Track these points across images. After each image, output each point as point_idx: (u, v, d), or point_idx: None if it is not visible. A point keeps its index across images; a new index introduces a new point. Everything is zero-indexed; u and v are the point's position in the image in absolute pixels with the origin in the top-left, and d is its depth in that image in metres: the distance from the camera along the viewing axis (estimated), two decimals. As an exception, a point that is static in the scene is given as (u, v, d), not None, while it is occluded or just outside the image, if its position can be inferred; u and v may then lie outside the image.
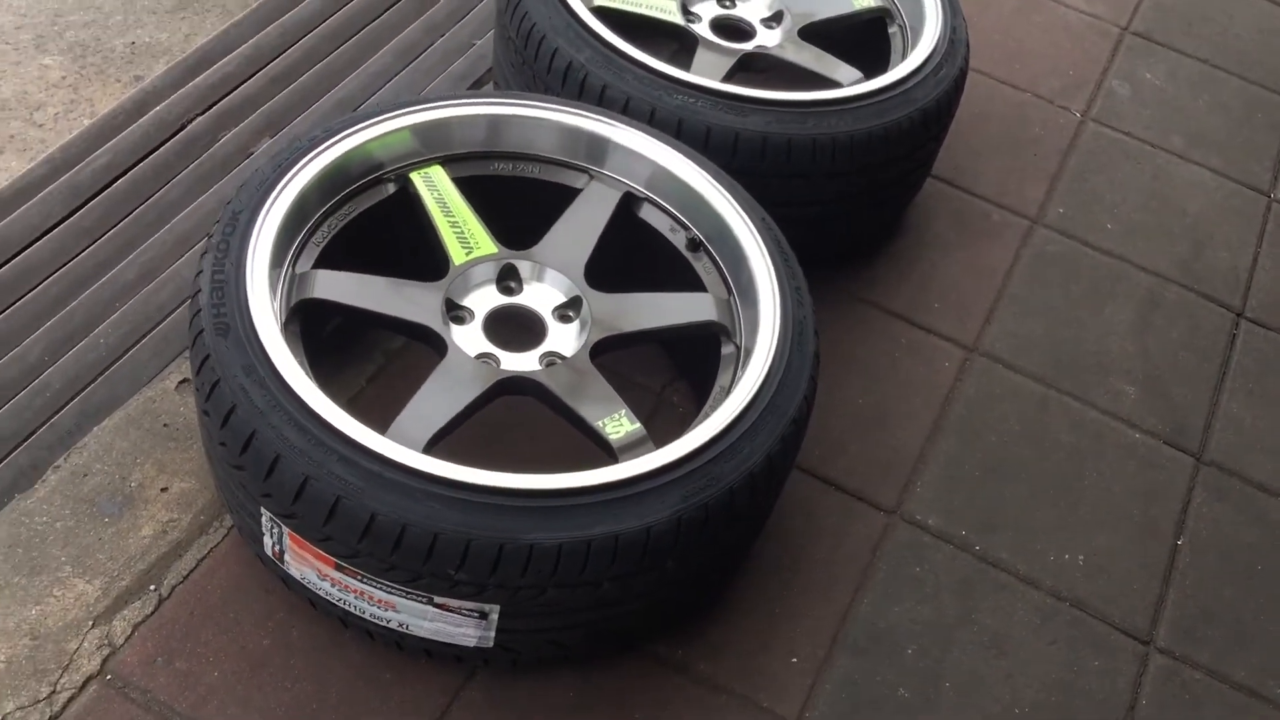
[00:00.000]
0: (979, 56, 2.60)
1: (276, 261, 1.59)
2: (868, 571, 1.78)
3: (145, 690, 1.51)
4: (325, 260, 1.67)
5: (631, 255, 1.81)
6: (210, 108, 2.34)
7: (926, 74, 1.99)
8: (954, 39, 2.07)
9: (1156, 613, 1.81)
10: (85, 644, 1.53)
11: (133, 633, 1.55)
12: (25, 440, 1.77)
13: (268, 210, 1.59)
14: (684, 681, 1.63)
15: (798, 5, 2.19)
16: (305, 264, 1.65)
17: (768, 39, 2.15)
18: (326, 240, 1.69)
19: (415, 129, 1.75)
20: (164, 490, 1.69)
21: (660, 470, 1.44)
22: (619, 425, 1.55)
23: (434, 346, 1.61)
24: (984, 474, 1.92)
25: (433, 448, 1.49)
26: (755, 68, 2.11)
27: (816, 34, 2.17)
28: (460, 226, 1.71)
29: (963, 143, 2.41)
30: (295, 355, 1.50)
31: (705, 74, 1.99)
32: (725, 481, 1.46)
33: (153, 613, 1.57)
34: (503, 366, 1.62)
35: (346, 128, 1.71)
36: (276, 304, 1.56)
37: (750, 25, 2.17)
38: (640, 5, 2.10)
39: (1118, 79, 2.64)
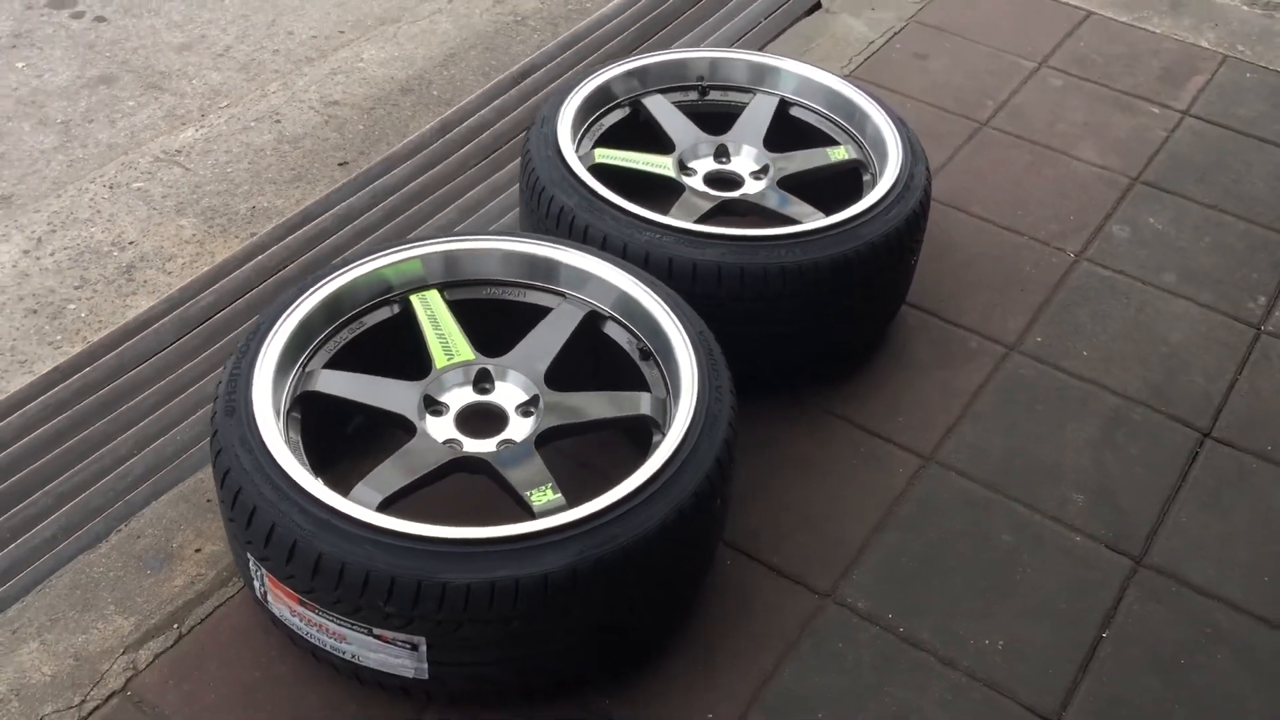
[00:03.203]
0: (985, 205, 2.85)
1: (289, 362, 1.97)
2: (793, 645, 1.97)
3: (155, 706, 1.84)
4: (336, 364, 2.05)
5: (599, 361, 2.12)
6: (302, 256, 2.80)
7: (877, 213, 2.26)
8: (910, 184, 2.33)
9: (1068, 696, 1.93)
10: (115, 666, 1.89)
11: (154, 660, 1.90)
12: (103, 513, 2.19)
13: (282, 323, 1.98)
14: (607, 728, 1.86)
15: (781, 158, 2.51)
16: (316, 366, 2.02)
17: (752, 188, 2.46)
18: (338, 348, 2.06)
19: (423, 259, 2.14)
20: (197, 551, 2.06)
21: (562, 527, 1.71)
22: (543, 495, 1.83)
23: (407, 431, 1.95)
24: (920, 566, 2.10)
25: (386, 508, 1.80)
26: (737, 211, 2.42)
27: (797, 183, 2.47)
28: (445, 337, 2.07)
29: (954, 279, 2.64)
30: (289, 433, 1.87)
31: (682, 217, 2.32)
32: (619, 541, 1.72)
33: (172, 646, 1.92)
34: (465, 450, 1.93)
35: (360, 258, 2.11)
36: (283, 395, 1.93)
37: (740, 177, 2.50)
38: (636, 161, 2.46)
39: (1119, 223, 2.82)
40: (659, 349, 2.05)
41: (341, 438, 2.18)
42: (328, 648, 1.79)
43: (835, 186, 2.50)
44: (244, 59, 3.57)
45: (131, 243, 2.91)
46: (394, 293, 2.13)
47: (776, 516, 2.16)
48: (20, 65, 3.49)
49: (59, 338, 2.67)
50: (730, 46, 3.30)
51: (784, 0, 3.59)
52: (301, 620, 1.78)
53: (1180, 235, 2.80)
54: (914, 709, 1.90)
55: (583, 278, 2.14)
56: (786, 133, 2.62)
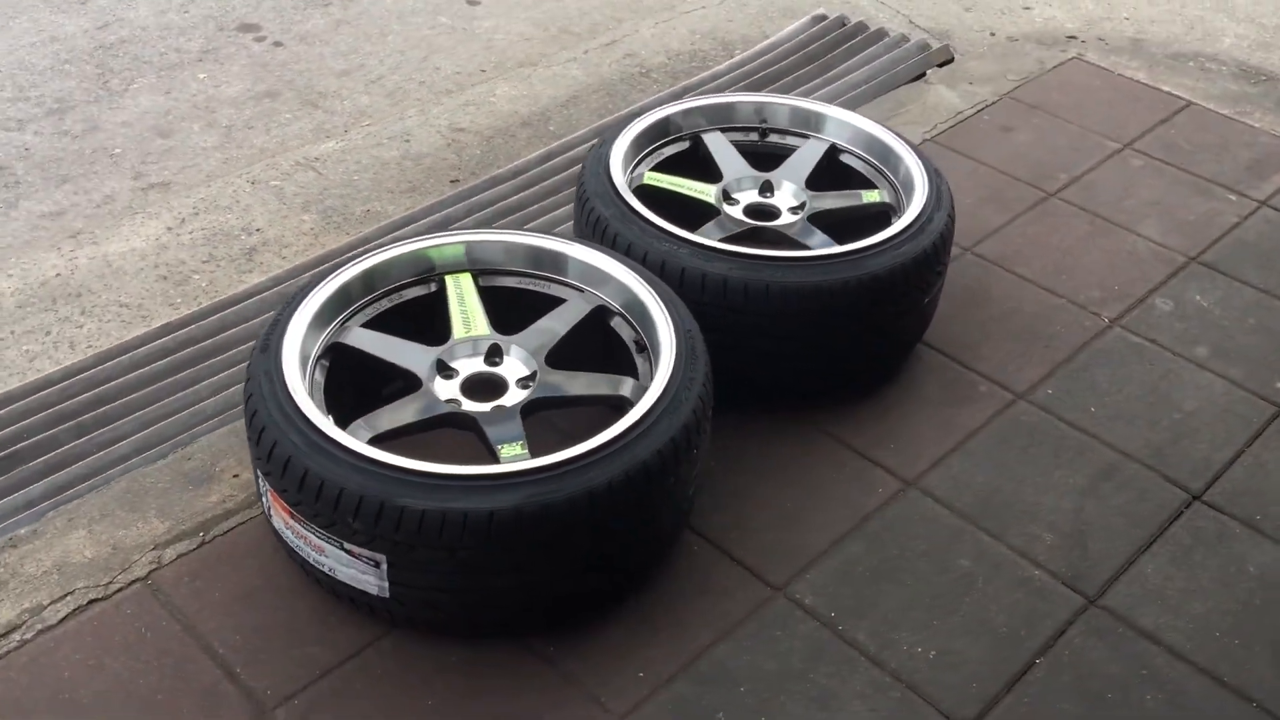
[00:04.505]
0: (1031, 266, 2.95)
1: (327, 317, 2.26)
2: (735, 627, 2.12)
3: (168, 595, 2.13)
4: (374, 326, 2.33)
5: (603, 350, 2.34)
6: (395, 253, 3.12)
7: (886, 248, 2.41)
8: (926, 226, 2.48)
9: (986, 709, 2.01)
10: (143, 559, 2.19)
11: (176, 559, 2.19)
12: (172, 439, 2.52)
13: (325, 284, 2.27)
14: (546, 670, 2.04)
15: (818, 197, 2.69)
16: (355, 324, 2.31)
17: (786, 220, 2.65)
18: (378, 313, 2.34)
19: (460, 244, 2.41)
20: (235, 476, 2.36)
21: (514, 473, 1.93)
22: (512, 450, 2.06)
23: (414, 387, 2.20)
24: (873, 576, 2.22)
25: (376, 444, 2.05)
26: (766, 238, 2.61)
27: (832, 221, 2.65)
28: (467, 313, 2.32)
29: (980, 328, 2.75)
30: (309, 373, 2.15)
31: (712, 236, 2.52)
32: (565, 492, 1.92)
33: (194, 549, 2.21)
34: (461, 408, 2.18)
35: (405, 239, 2.40)
36: (316, 343, 2.22)
37: (778, 210, 2.69)
38: (681, 186, 2.68)
39: (1163, 297, 2.87)
40: (651, 343, 2.25)
41: (378, 399, 2.44)
42: (311, 560, 2.04)
43: (874, 228, 2.64)
44: (392, 87, 3.97)
45: (258, 229, 3.30)
46: (434, 272, 2.40)
47: (750, 515, 2.31)
48: (202, 76, 3.98)
49: (179, 300, 3.06)
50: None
51: (889, 68, 3.78)
52: (292, 533, 2.05)
53: (1225, 314, 2.84)
54: (832, 696, 2.02)
55: (600, 277, 2.36)
56: (835, 175, 2.80)
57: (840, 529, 2.30)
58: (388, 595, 2.00)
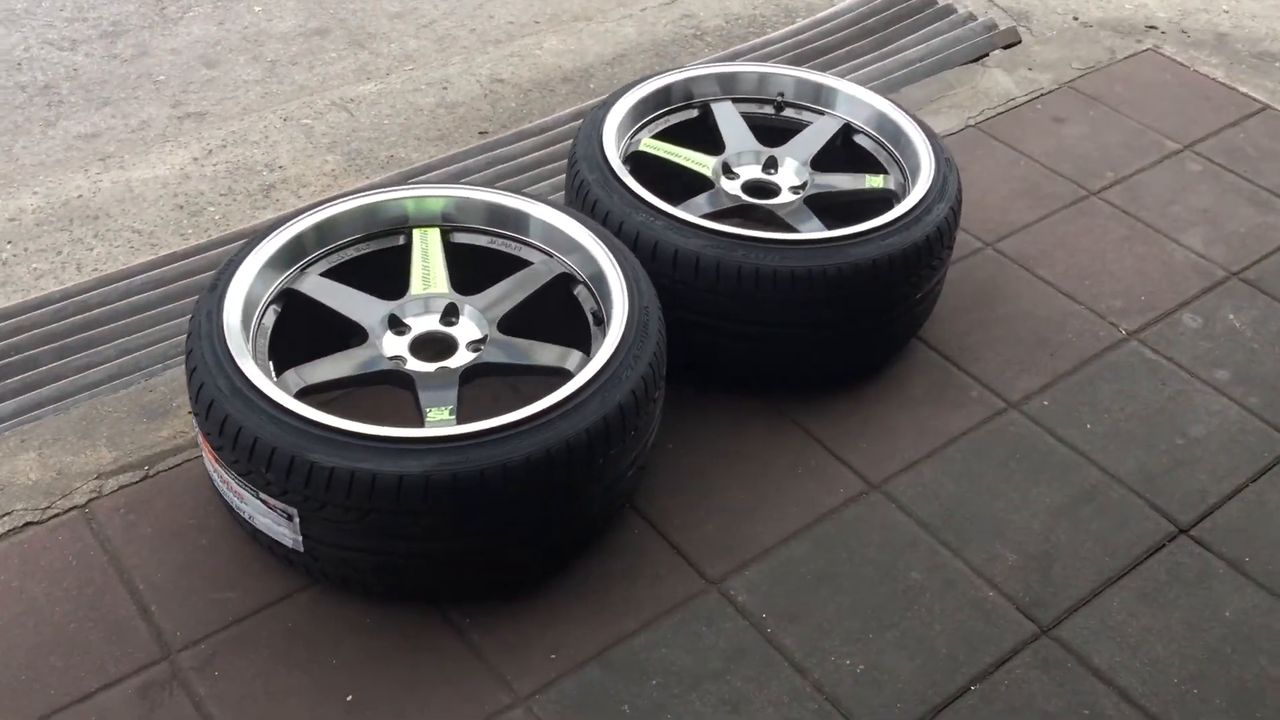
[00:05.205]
0: (1053, 269, 2.78)
1: (284, 262, 2.22)
2: (660, 618, 2.04)
3: (101, 525, 2.13)
4: (334, 275, 2.29)
5: (568, 318, 2.27)
6: (406, 201, 3.08)
7: (868, 237, 2.28)
8: (920, 218, 2.34)
9: (905, 732, 1.91)
10: (85, 486, 2.20)
11: (117, 490, 2.19)
12: (144, 369, 2.53)
13: (283, 230, 2.23)
14: (456, 641, 1.99)
15: (821, 177, 2.56)
16: (314, 271, 2.27)
17: (784, 199, 2.53)
18: (342, 260, 2.30)
19: (430, 199, 2.35)
20: (189, 413, 2.35)
21: (429, 439, 1.87)
22: (439, 414, 2.00)
23: (360, 340, 2.16)
24: (815, 580, 2.12)
25: (305, 396, 2.02)
26: (755, 216, 2.50)
27: (832, 202, 2.52)
28: (428, 269, 2.27)
29: (984, 330, 2.60)
30: (257, 317, 2.12)
31: (692, 210, 2.42)
32: (477, 463, 1.86)
33: (136, 483, 2.21)
34: (404, 367, 2.13)
35: (381, 188, 2.34)
36: (269, 287, 2.19)
37: (779, 188, 2.57)
38: (677, 155, 2.58)
39: (1192, 313, 2.69)
40: (607, 316, 2.17)
41: (341, 347, 2.41)
42: (233, 505, 2.02)
43: (866, 212, 2.51)
44: (442, 33, 3.92)
45: (281, 167, 3.29)
46: (406, 224, 2.35)
47: (698, 502, 2.22)
48: (257, 9, 3.99)
49: (190, 231, 3.07)
50: (862, 81, 3.36)
51: (948, 46, 3.60)
52: (218, 476, 2.03)
53: (1255, 336, 2.64)
54: (746, 701, 1.93)
55: (568, 243, 2.28)
56: (849, 156, 2.67)
57: (790, 527, 2.20)
58: (302, 550, 1.97)
